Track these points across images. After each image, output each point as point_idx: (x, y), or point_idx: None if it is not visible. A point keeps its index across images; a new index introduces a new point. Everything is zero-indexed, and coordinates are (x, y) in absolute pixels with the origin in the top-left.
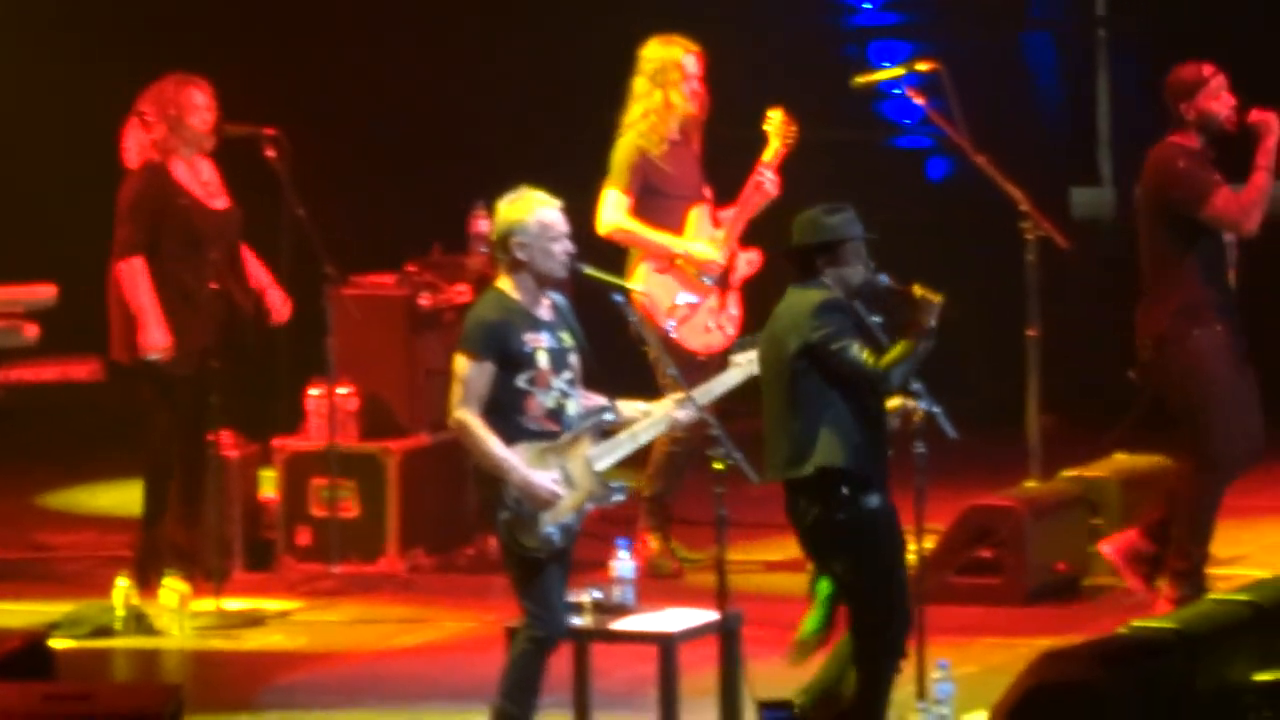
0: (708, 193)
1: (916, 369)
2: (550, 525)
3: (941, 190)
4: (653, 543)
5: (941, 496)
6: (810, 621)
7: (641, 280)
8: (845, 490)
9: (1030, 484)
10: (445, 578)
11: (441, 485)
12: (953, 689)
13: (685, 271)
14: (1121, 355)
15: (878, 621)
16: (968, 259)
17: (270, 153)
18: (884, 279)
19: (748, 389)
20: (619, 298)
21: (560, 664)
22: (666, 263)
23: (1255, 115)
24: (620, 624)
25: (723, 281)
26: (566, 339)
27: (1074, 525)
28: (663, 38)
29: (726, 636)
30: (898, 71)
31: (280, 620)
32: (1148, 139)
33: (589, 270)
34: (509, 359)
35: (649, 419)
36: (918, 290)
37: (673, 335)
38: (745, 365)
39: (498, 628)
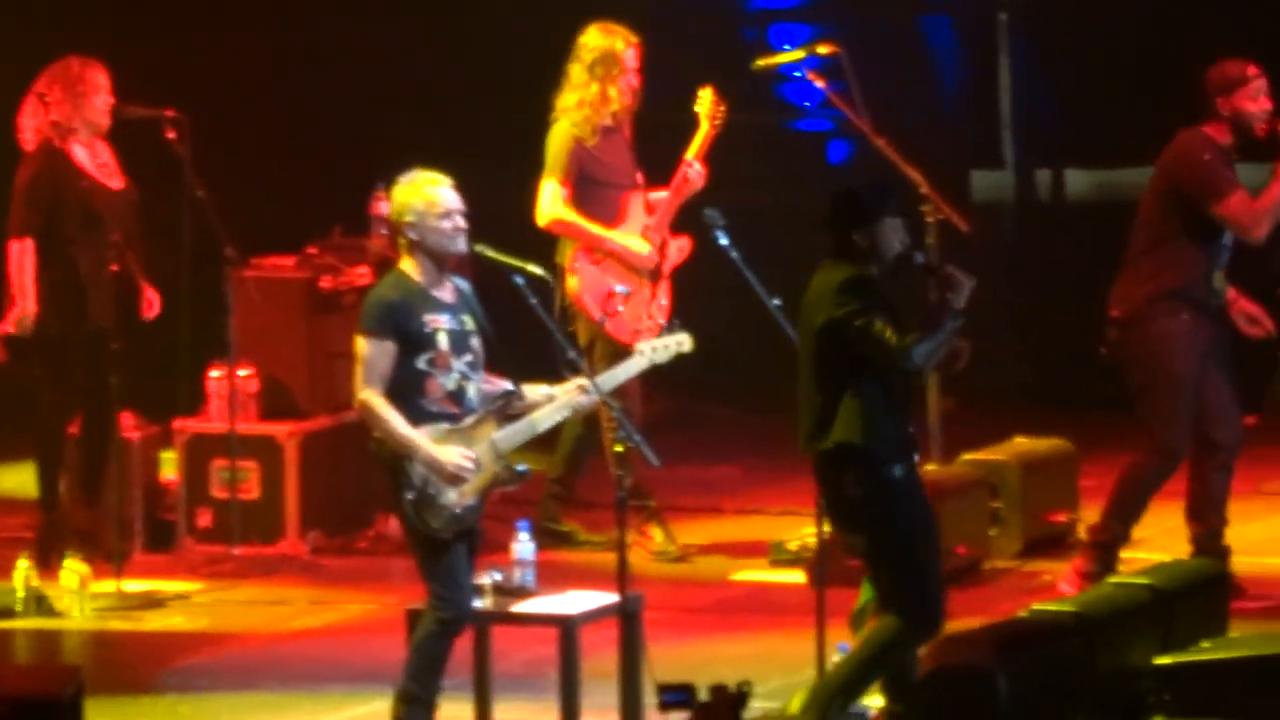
0: (640, 179)
1: (940, 350)
2: (455, 507)
3: (842, 173)
4: (654, 533)
5: None
6: (865, 592)
7: (575, 272)
8: (862, 465)
9: (930, 467)
10: (346, 560)
11: (342, 467)
12: None
13: (618, 262)
14: (1020, 338)
15: (899, 594)
16: None
17: (170, 135)
18: (920, 257)
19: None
20: (519, 279)
21: (460, 646)
22: (601, 253)
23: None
24: (521, 606)
25: (654, 273)
26: (468, 322)
27: (974, 509)
28: (603, 27)
29: (627, 619)
30: (798, 55)
31: (181, 602)
32: (1048, 122)
33: (488, 252)
34: (409, 340)
35: (553, 403)
36: (950, 270)
37: (605, 326)
38: (648, 353)
39: (398, 610)
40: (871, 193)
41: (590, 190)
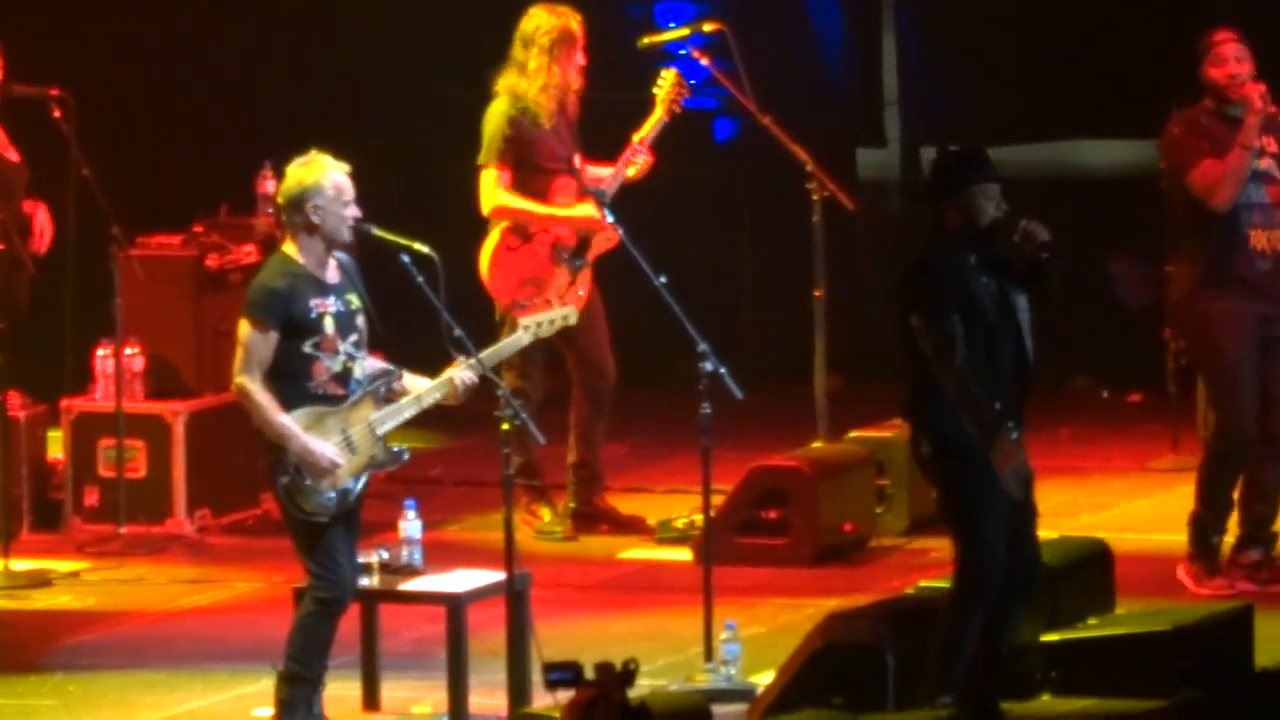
0: (578, 162)
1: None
2: (329, 491)
3: (727, 151)
4: (542, 512)
5: (728, 457)
6: None
7: (491, 256)
8: (939, 433)
9: (817, 444)
10: (232, 538)
11: (229, 446)
12: (739, 649)
13: (538, 250)
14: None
15: (967, 561)
16: (753, 220)
17: (56, 113)
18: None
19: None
20: (405, 258)
21: (348, 625)
22: (520, 240)
23: (1245, 88)
24: (408, 585)
25: (582, 259)
26: (354, 301)
27: (861, 486)
28: (550, 8)
29: (515, 598)
30: (683, 32)
31: (68, 581)
32: (933, 100)
33: (377, 231)
34: (295, 325)
35: (433, 382)
36: (1024, 224)
37: (514, 311)
38: (533, 328)
39: (285, 589)
40: (956, 159)
41: (522, 172)
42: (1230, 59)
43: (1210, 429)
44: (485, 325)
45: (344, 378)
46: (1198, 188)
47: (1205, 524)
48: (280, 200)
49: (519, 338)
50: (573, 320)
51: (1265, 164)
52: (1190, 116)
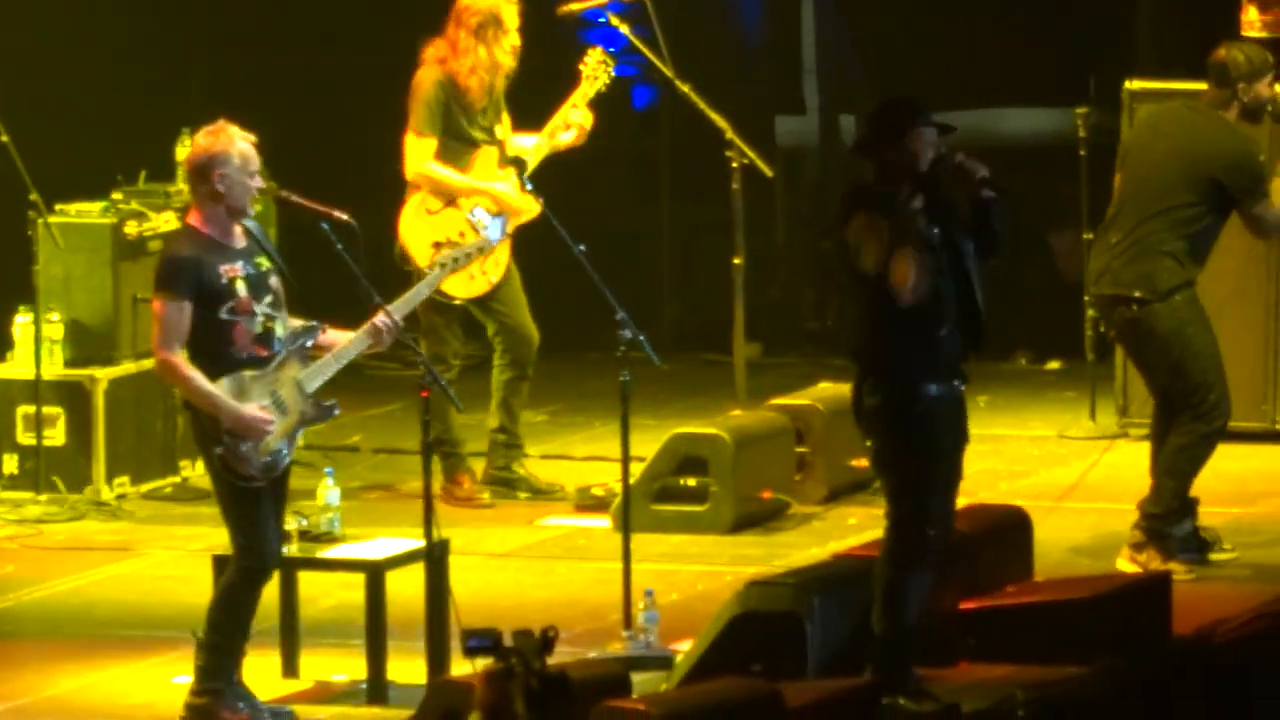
0: (501, 133)
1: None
2: (264, 455)
3: (646, 119)
4: (462, 479)
5: (647, 425)
6: None
7: (411, 221)
8: (891, 382)
9: (736, 412)
10: (152, 505)
11: (148, 413)
12: (658, 616)
13: (456, 216)
14: (825, 283)
15: (903, 515)
16: (672, 188)
17: None
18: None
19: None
20: (324, 225)
21: (267, 592)
22: (441, 206)
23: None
24: (328, 552)
25: (503, 228)
26: (264, 263)
27: (780, 454)
28: None
29: (433, 565)
30: (603, 0)
31: None
32: (853, 68)
33: (293, 198)
34: (208, 293)
35: (356, 333)
36: (959, 162)
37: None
38: (450, 264)
39: (205, 557)
40: (898, 106)
41: (447, 141)
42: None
43: (1193, 411)
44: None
45: (266, 339)
46: (1273, 222)
47: (1180, 512)
48: (186, 168)
49: (434, 276)
50: (489, 248)
51: None
52: (1223, 115)
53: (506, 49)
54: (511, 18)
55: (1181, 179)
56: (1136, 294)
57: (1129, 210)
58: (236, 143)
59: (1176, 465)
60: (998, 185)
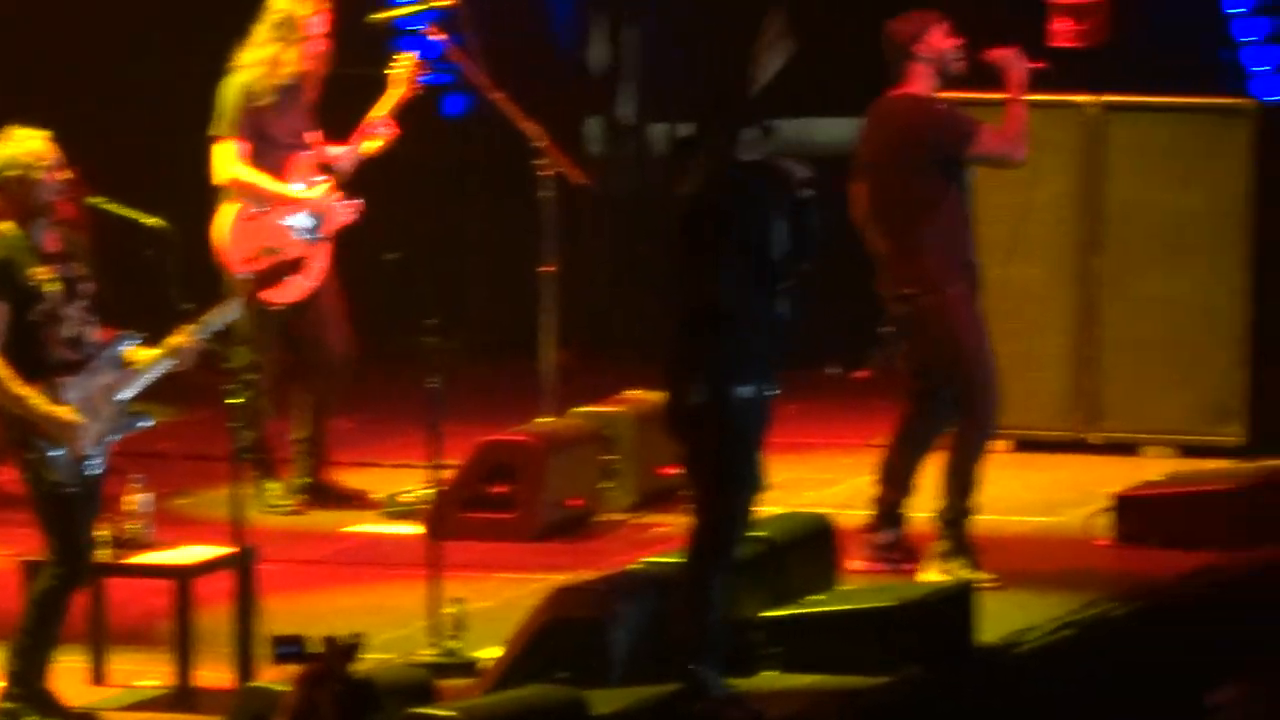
0: (314, 142)
1: None
2: (74, 460)
3: (459, 126)
4: (270, 486)
5: (457, 432)
6: None
7: (227, 227)
8: (714, 384)
9: (545, 420)
10: None
11: None
12: (466, 624)
13: (272, 222)
14: (636, 291)
15: (716, 517)
16: (485, 195)
17: None
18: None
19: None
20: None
21: (75, 598)
22: (258, 212)
23: (993, 54)
24: (136, 558)
25: (318, 233)
26: (76, 268)
27: (588, 461)
28: None
29: (242, 571)
30: (416, 8)
31: None
32: (665, 76)
33: (105, 204)
34: (20, 297)
35: (161, 350)
36: (776, 164)
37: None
38: (239, 291)
39: (14, 562)
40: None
41: (258, 147)
42: (951, 33)
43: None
44: (217, 296)
45: (77, 343)
46: (997, 150)
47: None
48: None
49: (244, 288)
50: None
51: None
52: (931, 98)
53: (307, 50)
54: (312, 19)
55: (902, 171)
56: (907, 290)
57: (880, 212)
58: (23, 143)
59: (957, 467)
60: (816, 185)
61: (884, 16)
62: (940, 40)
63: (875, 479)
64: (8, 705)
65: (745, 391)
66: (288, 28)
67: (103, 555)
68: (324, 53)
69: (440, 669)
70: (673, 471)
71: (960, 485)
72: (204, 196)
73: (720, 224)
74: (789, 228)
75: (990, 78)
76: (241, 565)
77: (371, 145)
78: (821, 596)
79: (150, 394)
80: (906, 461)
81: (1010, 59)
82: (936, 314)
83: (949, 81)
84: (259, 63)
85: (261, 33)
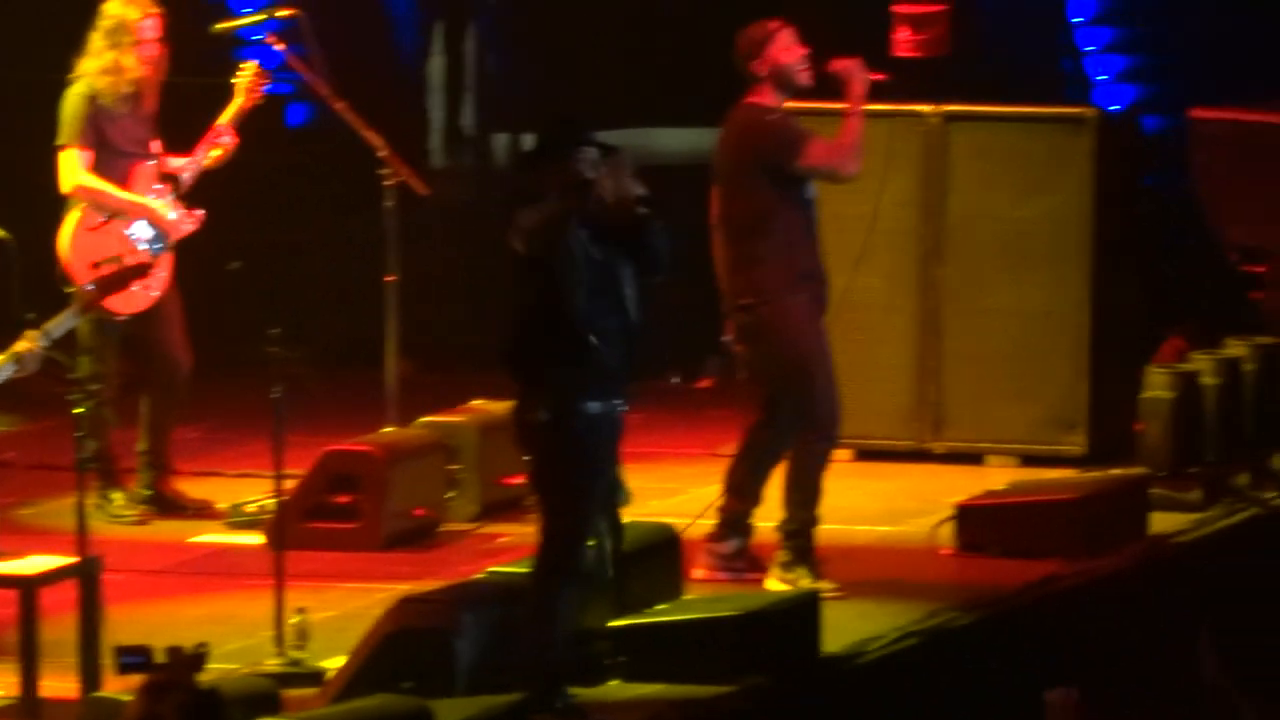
0: (156, 149)
1: None
2: None
3: (302, 136)
4: (114, 496)
5: (300, 442)
6: None
7: (70, 237)
8: (558, 398)
9: (388, 430)
10: None
11: None
12: (310, 634)
13: (116, 232)
14: (478, 302)
15: (560, 532)
16: (327, 205)
17: None
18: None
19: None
20: None
21: None
22: (100, 222)
23: (836, 64)
24: None
25: (161, 243)
26: None
27: (432, 471)
28: None
29: (86, 581)
30: (258, 17)
31: None
32: (506, 88)
33: None
34: None
35: (5, 357)
36: (603, 179)
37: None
38: (82, 302)
39: None
40: (561, 126)
41: (101, 156)
42: (794, 44)
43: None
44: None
45: None
46: (822, 163)
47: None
48: None
49: (87, 298)
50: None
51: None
52: (763, 109)
53: (137, 57)
54: (144, 22)
55: (737, 182)
56: (744, 300)
57: (721, 222)
58: None
59: (798, 477)
60: (652, 203)
61: (729, 25)
62: (781, 52)
63: (721, 488)
64: None
65: (593, 407)
66: (121, 33)
67: None
68: (159, 57)
69: (286, 679)
70: (517, 481)
71: (802, 496)
72: (49, 207)
73: (558, 240)
74: (629, 244)
75: (837, 88)
76: (86, 575)
77: (214, 155)
78: (666, 606)
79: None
80: (752, 471)
81: (852, 70)
82: (773, 324)
83: (796, 92)
84: (98, 71)
85: (97, 40)
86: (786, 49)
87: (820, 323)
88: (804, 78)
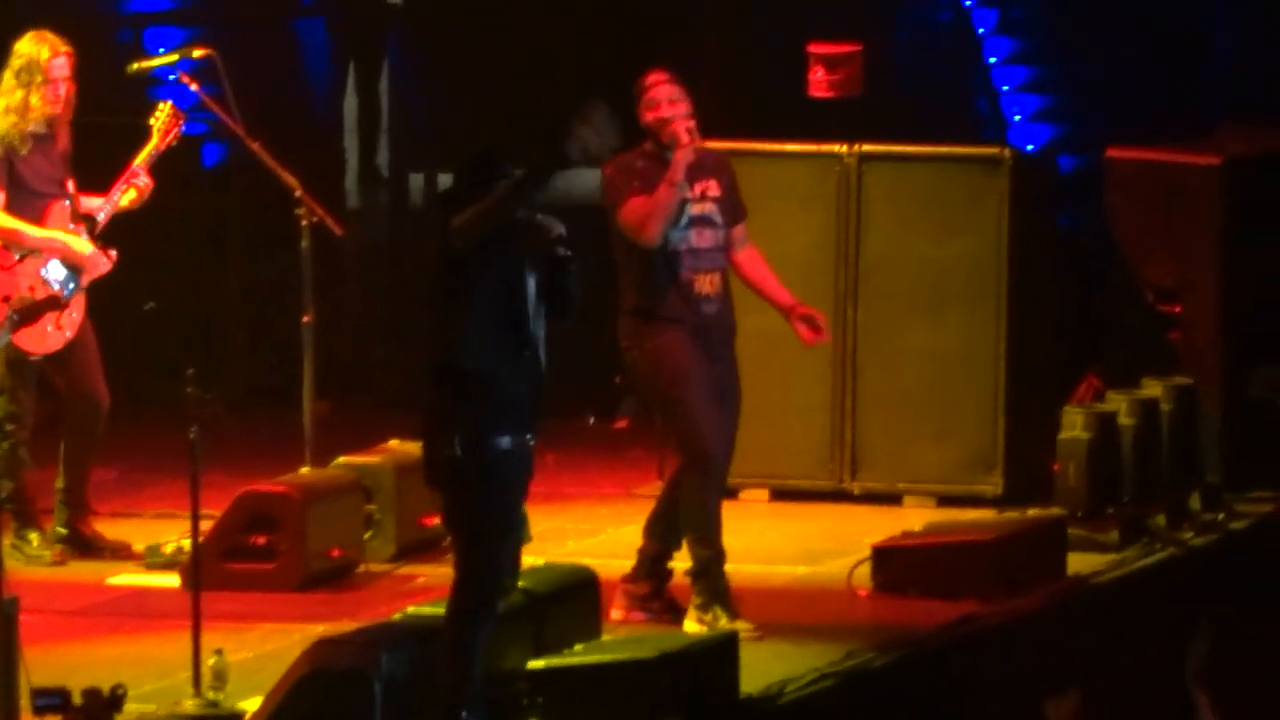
0: (71, 188)
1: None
2: None
3: (216, 176)
4: (31, 537)
5: (217, 482)
6: None
7: None
8: (470, 437)
9: (305, 470)
10: None
11: None
12: (227, 675)
13: (28, 271)
14: (394, 342)
15: (473, 570)
16: (243, 245)
17: None
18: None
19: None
20: None
21: None
22: (13, 260)
23: (674, 126)
24: None
25: (74, 283)
26: None
27: (349, 511)
28: (36, 34)
29: (3, 622)
30: (173, 58)
31: None
32: (422, 128)
33: None
34: None
35: None
36: (533, 220)
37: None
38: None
39: None
40: (481, 160)
41: (14, 195)
42: (663, 101)
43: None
44: None
45: None
46: (625, 223)
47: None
48: None
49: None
50: (60, 306)
51: (704, 209)
52: (625, 159)
53: (46, 96)
54: (58, 67)
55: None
56: (622, 344)
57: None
58: None
59: (687, 516)
60: (572, 245)
61: (636, 66)
62: (644, 110)
63: (642, 529)
64: None
65: (502, 443)
66: (31, 71)
67: None
68: (70, 96)
69: None
70: (433, 522)
71: (696, 534)
72: None
73: (468, 277)
74: (544, 283)
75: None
76: (3, 616)
77: (129, 196)
78: (583, 647)
79: None
80: (670, 513)
81: (679, 136)
82: (641, 367)
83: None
84: (8, 110)
85: (8, 80)
86: (650, 107)
87: (700, 358)
88: (665, 135)
